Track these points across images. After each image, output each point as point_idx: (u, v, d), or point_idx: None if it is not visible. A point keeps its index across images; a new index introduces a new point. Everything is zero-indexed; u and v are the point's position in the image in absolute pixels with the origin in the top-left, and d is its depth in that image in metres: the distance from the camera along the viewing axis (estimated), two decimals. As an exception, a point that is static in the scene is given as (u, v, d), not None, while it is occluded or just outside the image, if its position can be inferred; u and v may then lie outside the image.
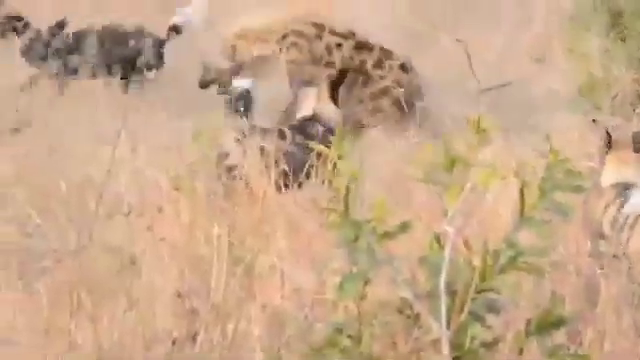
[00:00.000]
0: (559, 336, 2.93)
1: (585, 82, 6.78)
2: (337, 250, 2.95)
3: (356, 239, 2.83)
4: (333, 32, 6.65)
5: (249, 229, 4.00)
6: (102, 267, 3.96)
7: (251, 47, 6.58)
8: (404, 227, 2.83)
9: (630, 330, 3.40)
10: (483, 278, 2.77)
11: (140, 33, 7.20)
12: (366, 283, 2.86)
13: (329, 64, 6.56)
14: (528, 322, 2.81)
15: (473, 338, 2.78)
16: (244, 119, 6.44)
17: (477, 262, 2.77)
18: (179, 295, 3.67)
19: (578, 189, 2.80)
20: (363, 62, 6.64)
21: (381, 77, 6.67)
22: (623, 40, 7.01)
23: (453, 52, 7.82)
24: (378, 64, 6.68)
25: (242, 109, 6.57)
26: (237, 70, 6.66)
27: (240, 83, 6.66)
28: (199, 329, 3.59)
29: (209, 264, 3.74)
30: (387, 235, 2.83)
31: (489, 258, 2.77)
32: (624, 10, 7.12)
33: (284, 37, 6.56)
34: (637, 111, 6.60)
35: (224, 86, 6.63)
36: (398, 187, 4.73)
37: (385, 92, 6.66)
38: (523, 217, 2.76)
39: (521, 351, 2.81)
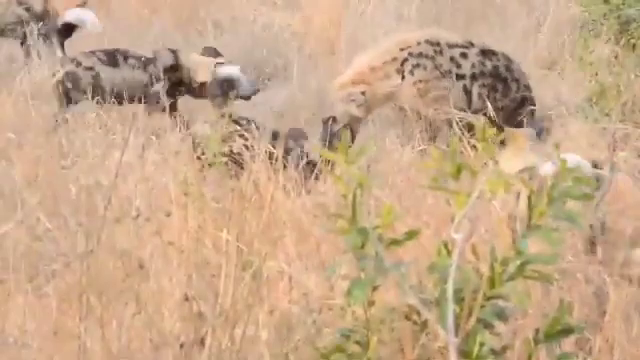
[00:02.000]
0: (568, 344, 2.90)
1: (595, 89, 6.76)
2: (345, 256, 2.93)
3: (363, 246, 2.80)
4: (451, 44, 6.37)
5: (257, 234, 3.97)
6: (111, 271, 3.94)
7: (376, 85, 6.27)
8: (411, 235, 2.81)
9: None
10: (491, 285, 2.74)
11: None
12: (374, 289, 2.84)
13: (460, 77, 6.31)
14: (537, 330, 2.78)
15: (481, 345, 2.75)
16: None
17: (485, 269, 2.74)
18: (187, 299, 3.65)
19: (587, 197, 2.77)
20: (496, 67, 6.40)
21: (516, 82, 6.46)
22: (633, 47, 6.99)
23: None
24: (508, 69, 6.45)
25: None
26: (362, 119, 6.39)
27: None
28: (207, 333, 3.56)
29: (217, 269, 3.71)
30: (395, 242, 2.81)
31: (497, 265, 2.74)
32: (633, 18, 7.10)
33: (403, 63, 6.30)
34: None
35: (354, 132, 6.23)
36: (406, 194, 4.71)
37: (524, 103, 6.43)
38: (531, 225, 2.73)
39: (530, 359, 2.78)
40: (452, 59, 6.33)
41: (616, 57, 6.95)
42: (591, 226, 3.82)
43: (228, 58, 7.49)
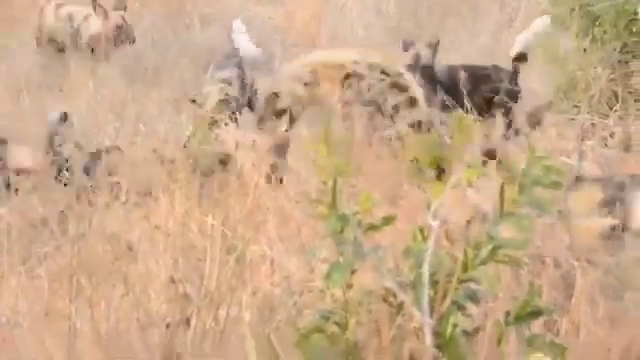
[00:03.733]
0: (537, 326, 2.90)
1: (564, 82, 6.77)
2: (325, 240, 2.91)
3: (342, 230, 2.79)
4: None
5: (241, 219, 3.95)
6: (100, 254, 3.92)
7: (320, 82, 5.94)
8: (388, 220, 2.80)
9: (605, 321, 3.36)
10: (465, 269, 2.73)
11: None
12: (352, 272, 2.83)
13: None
14: (507, 312, 2.78)
15: (454, 326, 2.74)
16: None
17: (459, 254, 2.74)
18: (173, 281, 3.62)
19: (556, 185, 2.76)
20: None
21: None
22: (599, 42, 7.00)
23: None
24: None
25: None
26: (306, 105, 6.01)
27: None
28: (192, 314, 3.54)
29: (202, 252, 3.70)
30: (372, 227, 2.80)
31: (470, 250, 2.73)
32: (599, 14, 7.11)
33: (346, 78, 5.94)
34: (614, 109, 6.59)
35: (294, 116, 5.93)
36: (385, 181, 4.70)
37: None
38: (503, 212, 2.72)
39: (500, 340, 2.77)
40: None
41: (584, 51, 6.96)
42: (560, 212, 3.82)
43: (215, 50, 7.47)
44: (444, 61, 6.67)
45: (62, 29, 7.70)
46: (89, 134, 5.60)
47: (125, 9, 7.69)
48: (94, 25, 7.58)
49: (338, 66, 6.04)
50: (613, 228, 3.82)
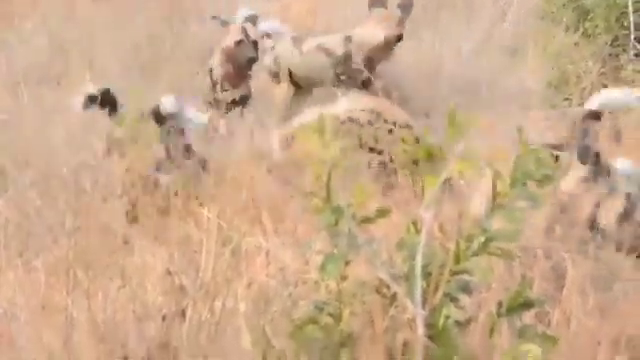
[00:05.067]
0: (528, 317, 2.90)
1: (556, 76, 6.77)
2: (320, 232, 2.91)
3: (337, 223, 2.79)
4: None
5: (237, 212, 3.95)
6: (97, 246, 3.91)
7: None
8: (382, 213, 2.80)
9: (595, 311, 3.36)
10: (457, 261, 2.73)
11: None
12: (347, 264, 2.82)
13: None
14: (499, 303, 2.78)
15: (447, 318, 2.74)
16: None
17: (451, 246, 2.73)
18: (169, 273, 3.62)
19: (547, 178, 2.76)
20: None
21: None
22: (591, 36, 7.00)
23: (432, 45, 7.78)
24: None
25: None
26: None
27: None
28: (188, 306, 3.54)
29: (198, 245, 3.69)
30: (366, 220, 2.79)
31: (463, 243, 2.72)
32: (590, 8, 7.11)
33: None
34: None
35: None
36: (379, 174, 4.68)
37: None
38: (495, 204, 2.72)
39: (492, 331, 2.77)
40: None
41: (575, 45, 6.97)
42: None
43: (212, 43, 7.44)
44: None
45: None
46: (86, 127, 5.59)
47: (254, 23, 6.61)
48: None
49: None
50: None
